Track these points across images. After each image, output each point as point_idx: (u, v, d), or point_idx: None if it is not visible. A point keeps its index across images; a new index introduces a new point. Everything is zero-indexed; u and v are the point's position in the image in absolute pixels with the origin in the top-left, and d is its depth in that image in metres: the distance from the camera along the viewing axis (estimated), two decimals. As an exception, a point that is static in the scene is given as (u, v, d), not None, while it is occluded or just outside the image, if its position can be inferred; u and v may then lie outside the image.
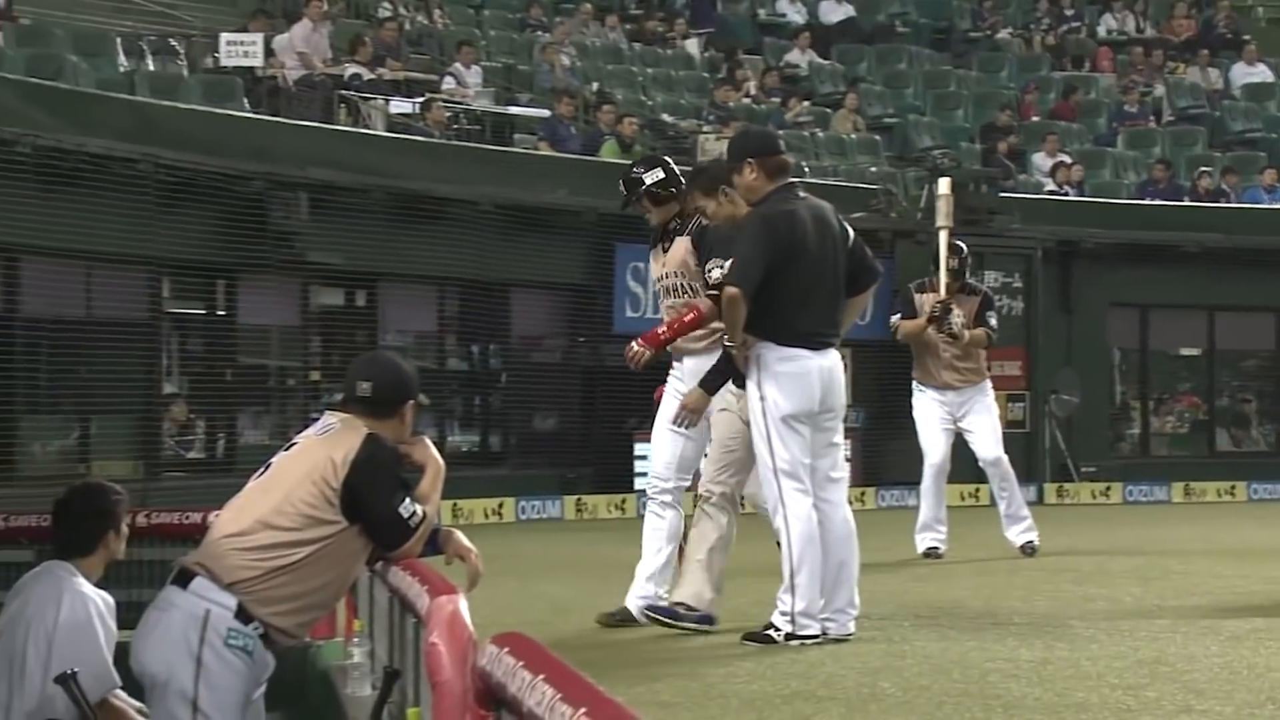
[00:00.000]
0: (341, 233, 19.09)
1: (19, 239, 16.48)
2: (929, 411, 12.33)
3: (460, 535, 5.62)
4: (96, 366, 17.87)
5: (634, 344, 8.18)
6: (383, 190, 19.49)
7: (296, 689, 6.65)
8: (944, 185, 12.77)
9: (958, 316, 12.06)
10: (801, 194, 7.87)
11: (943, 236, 12.26)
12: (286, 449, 5.61)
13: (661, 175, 8.48)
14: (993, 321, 12.41)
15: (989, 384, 12.61)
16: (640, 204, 8.49)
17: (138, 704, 5.90)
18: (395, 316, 21.38)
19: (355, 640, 6.44)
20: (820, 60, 27.31)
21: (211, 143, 17.93)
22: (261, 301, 19.85)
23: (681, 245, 8.32)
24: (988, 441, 12.37)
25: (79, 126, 16.75)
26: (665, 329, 8.22)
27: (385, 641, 6.04)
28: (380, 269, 20.09)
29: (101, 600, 6.05)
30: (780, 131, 16.67)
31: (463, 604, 4.44)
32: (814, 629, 7.40)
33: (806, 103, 25.45)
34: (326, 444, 5.42)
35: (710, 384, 7.78)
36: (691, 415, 7.87)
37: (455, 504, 16.85)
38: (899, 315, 12.46)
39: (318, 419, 5.82)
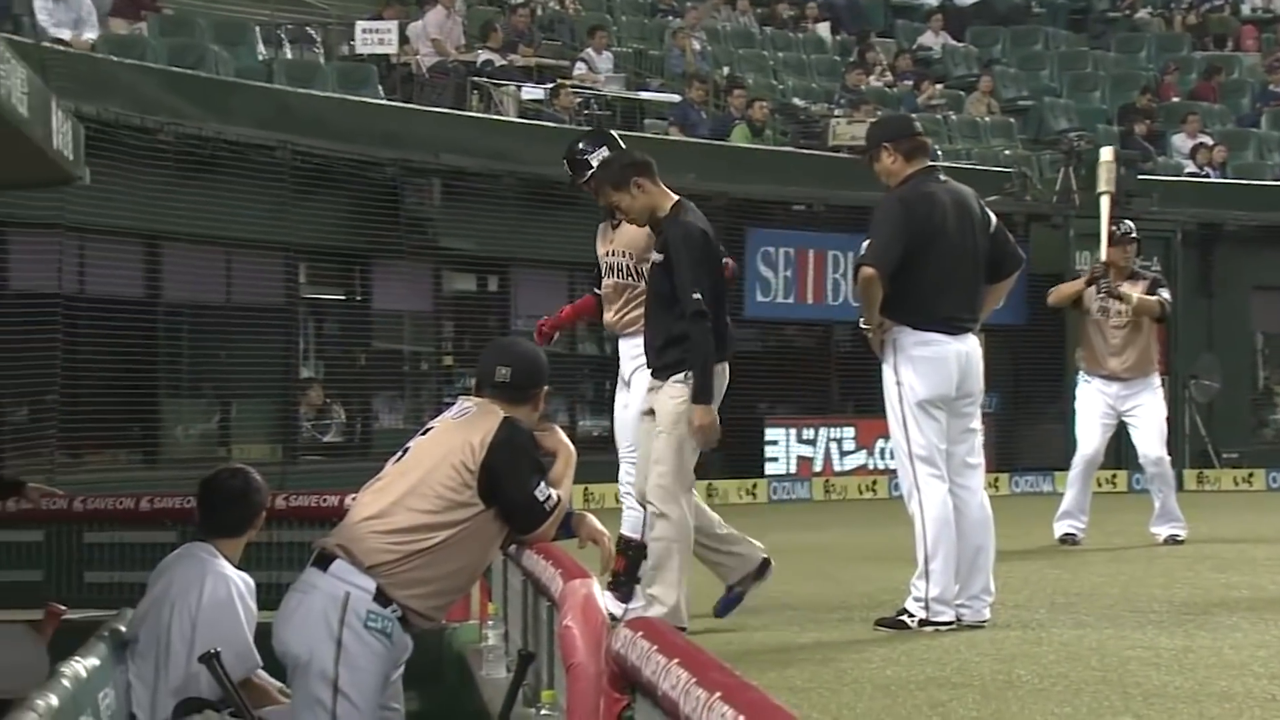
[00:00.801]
0: (473, 218, 19.21)
1: (161, 226, 16.76)
2: (1091, 403, 12.11)
3: (593, 519, 5.65)
4: (236, 351, 18.15)
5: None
6: (514, 176, 19.58)
7: (433, 670, 6.74)
8: (1106, 153, 12.86)
9: (1121, 285, 11.91)
10: (942, 178, 7.80)
11: (1104, 201, 12.15)
12: (423, 433, 5.67)
13: (609, 154, 8.11)
14: (1165, 294, 12.15)
15: (1158, 378, 12.30)
16: (588, 184, 8.14)
17: (279, 684, 6.00)
18: (526, 301, 21.46)
19: (490, 623, 6.50)
20: (954, 42, 27.04)
21: (346, 129, 18.12)
22: (395, 287, 20.03)
23: (629, 231, 7.93)
24: (1151, 439, 12.08)
25: (218, 114, 17.00)
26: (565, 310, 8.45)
27: (519, 624, 6.08)
28: (512, 254, 20.19)
29: (242, 581, 6.15)
30: (913, 115, 16.55)
31: (596, 588, 4.46)
32: (948, 615, 7.35)
33: (939, 86, 25.21)
34: (464, 427, 5.47)
35: (705, 395, 7.39)
36: (707, 433, 7.48)
37: (586, 488, 16.92)
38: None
39: (452, 403, 5.87)
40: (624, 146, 8.20)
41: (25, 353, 15.19)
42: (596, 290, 8.46)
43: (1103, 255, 12.02)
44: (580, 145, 8.27)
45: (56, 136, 7.57)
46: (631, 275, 8.03)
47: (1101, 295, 11.93)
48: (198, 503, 6.30)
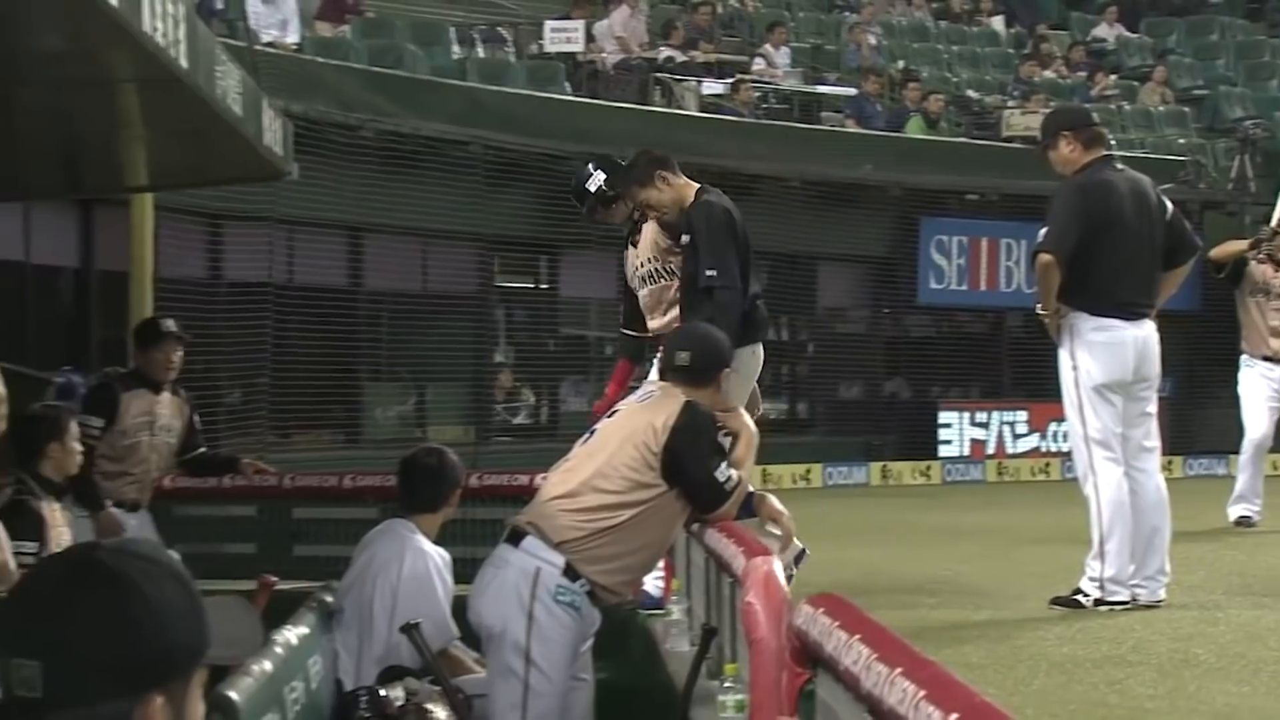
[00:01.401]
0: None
1: (363, 218, 17.06)
2: (1254, 386, 11.81)
3: (773, 499, 5.62)
4: (432, 337, 18.40)
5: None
6: (695, 168, 19.45)
7: (620, 643, 6.75)
8: None
9: None
10: (1119, 166, 7.64)
11: None
12: (610, 415, 5.69)
13: (603, 177, 7.76)
14: None
15: None
16: (596, 212, 7.85)
17: (475, 654, 6.07)
18: (708, 288, 21.44)
19: (674, 598, 6.50)
20: (1128, 34, 26.45)
21: (536, 125, 18.26)
22: (582, 275, 20.15)
23: (649, 229, 7.61)
24: None
25: (416, 111, 17.24)
26: (610, 389, 7.86)
27: (702, 600, 6.07)
28: (694, 244, 20.17)
29: (439, 556, 6.22)
30: (1086, 105, 16.22)
31: (777, 565, 4.44)
32: (1123, 595, 7.21)
33: (1113, 76, 24.69)
34: (648, 411, 5.48)
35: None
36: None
37: (764, 469, 16.88)
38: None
39: (636, 388, 5.88)
40: (622, 164, 7.81)
41: (239, 339, 15.56)
42: (626, 330, 8.07)
43: (1273, 221, 11.75)
44: (576, 176, 7.97)
45: (267, 134, 7.72)
46: (663, 275, 7.64)
47: (1262, 257, 11.62)
48: (398, 480, 6.38)
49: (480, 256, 18.80)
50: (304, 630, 5.49)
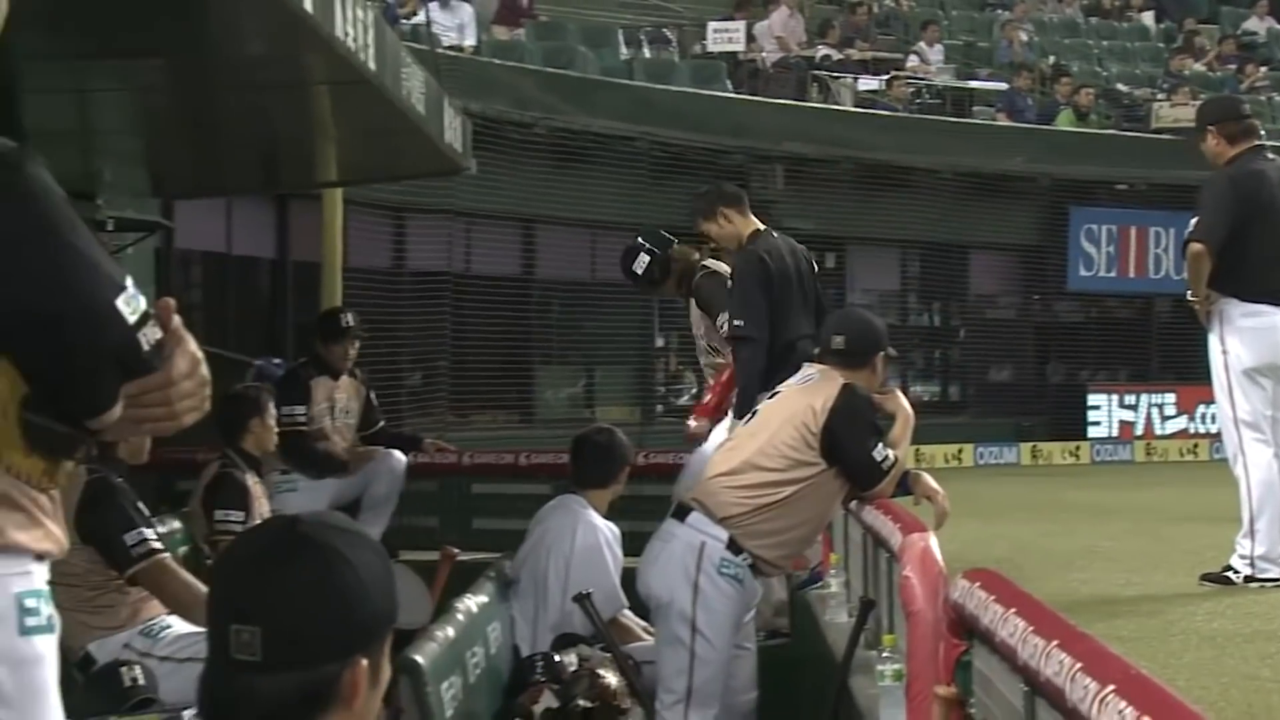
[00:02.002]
0: (813, 201, 19.16)
1: (536, 210, 17.20)
2: None
3: (928, 478, 5.57)
4: (599, 323, 18.50)
5: (690, 423, 7.45)
6: (851, 161, 19.46)
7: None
8: None
9: None
10: (1270, 155, 7.43)
11: None
12: (771, 397, 5.68)
13: (647, 260, 7.64)
14: None
15: None
16: (647, 291, 7.79)
17: (643, 623, 6.11)
18: (862, 277, 21.32)
19: (832, 572, 6.47)
20: (1279, 26, 25.71)
21: (698, 121, 18.26)
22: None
23: (692, 309, 7.59)
24: None
25: (586, 109, 17.34)
26: (710, 396, 7.51)
27: (860, 574, 6.04)
28: (848, 233, 20.08)
29: (609, 530, 6.27)
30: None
31: (933, 541, 4.40)
32: (1274, 572, 7.02)
33: (1264, 69, 24.01)
34: (807, 393, 5.46)
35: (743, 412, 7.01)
36: None
37: (917, 449, 16.72)
38: None
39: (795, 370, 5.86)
40: (670, 238, 7.72)
41: (420, 324, 15.80)
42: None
43: None
44: (625, 253, 7.77)
45: (448, 131, 7.83)
46: (707, 354, 7.61)
47: None
48: (570, 457, 6.44)
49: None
50: (483, 599, 5.57)
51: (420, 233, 16.38)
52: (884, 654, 4.50)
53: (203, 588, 4.87)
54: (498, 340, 17.31)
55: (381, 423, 8.62)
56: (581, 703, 5.25)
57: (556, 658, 5.62)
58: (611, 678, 5.49)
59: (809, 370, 5.62)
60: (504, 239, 17.57)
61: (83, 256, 2.14)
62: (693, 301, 7.47)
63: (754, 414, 5.62)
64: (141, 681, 4.85)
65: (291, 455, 7.88)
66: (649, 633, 5.95)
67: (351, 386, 8.28)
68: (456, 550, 6.92)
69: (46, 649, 2.22)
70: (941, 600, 3.87)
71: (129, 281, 2.18)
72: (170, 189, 10.57)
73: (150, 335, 2.17)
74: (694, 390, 20.69)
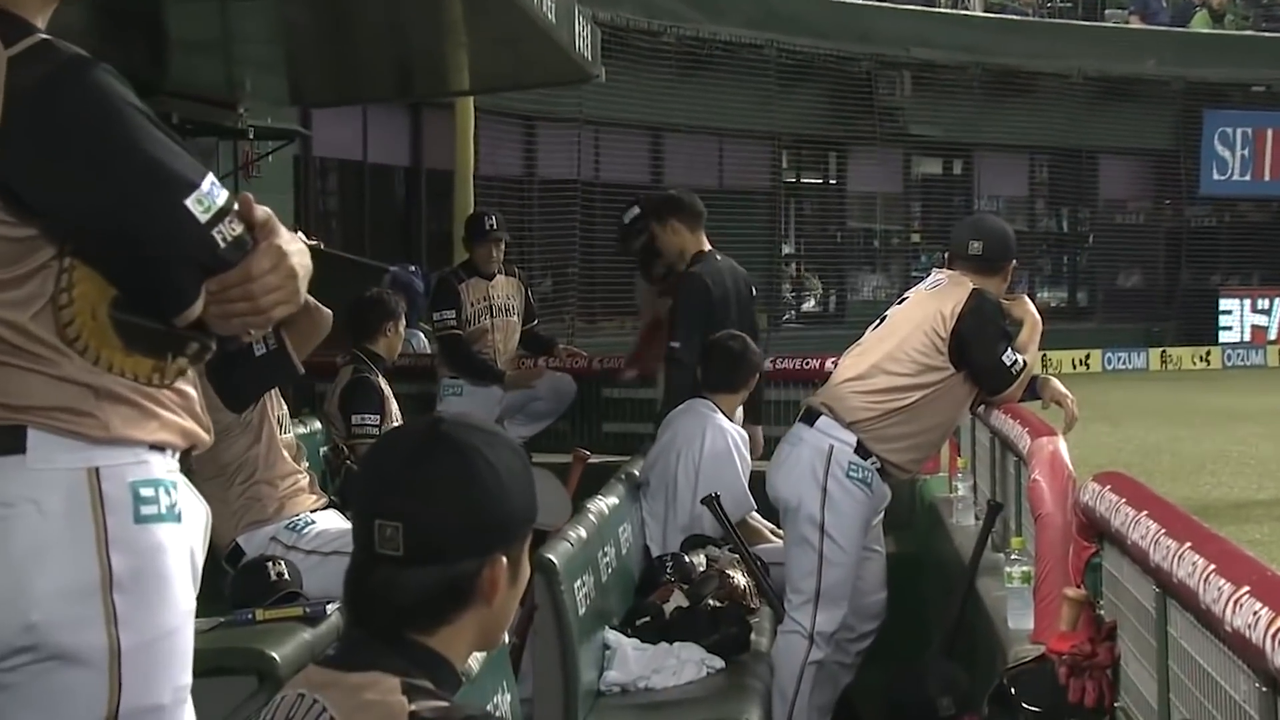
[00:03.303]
0: (940, 107, 18.89)
1: (663, 118, 17.13)
2: None
3: (1057, 382, 5.49)
4: (727, 231, 18.40)
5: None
6: (979, 66, 19.12)
7: (907, 517, 6.73)
8: None
9: None
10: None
11: None
12: (899, 302, 5.62)
13: (637, 211, 7.55)
14: None
15: None
16: (630, 246, 7.64)
17: (771, 525, 6.12)
18: (989, 183, 21.01)
19: (959, 476, 6.42)
20: None
21: (825, 28, 18.02)
22: (868, 171, 19.93)
23: (651, 297, 7.50)
24: None
25: (713, 17, 17.17)
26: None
27: (987, 478, 5.99)
28: (975, 139, 19.79)
29: (737, 433, 6.26)
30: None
31: (1061, 445, 4.35)
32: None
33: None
34: (936, 297, 5.39)
35: None
36: None
37: (1045, 355, 16.52)
38: None
39: (925, 276, 5.78)
40: (676, 198, 7.37)
41: (550, 232, 15.85)
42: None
43: None
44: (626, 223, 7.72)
45: (578, 40, 7.79)
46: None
47: None
48: (701, 361, 6.42)
49: (771, 154, 18.71)
50: (614, 501, 5.60)
51: (550, 141, 16.40)
52: (1012, 556, 4.47)
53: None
54: (626, 247, 17.29)
55: (535, 321, 8.69)
56: (711, 602, 5.26)
57: (686, 558, 5.63)
58: (740, 578, 5.50)
59: (937, 275, 5.54)
60: (632, 147, 17.53)
61: (146, 159, 2.15)
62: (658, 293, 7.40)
63: (883, 319, 5.57)
64: (286, 575, 4.94)
65: (448, 359, 8.00)
66: (777, 535, 5.96)
67: (510, 285, 8.32)
68: (588, 453, 6.95)
69: (166, 537, 2.26)
70: (1070, 503, 3.83)
71: (205, 178, 2.19)
72: (308, 98, 10.66)
73: (228, 231, 2.18)
74: (818, 293, 20.57)
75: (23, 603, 2.18)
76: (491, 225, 8.25)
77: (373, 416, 6.43)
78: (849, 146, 19.53)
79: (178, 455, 2.35)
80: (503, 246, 8.26)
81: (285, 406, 5.55)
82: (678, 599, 5.25)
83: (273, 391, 5.38)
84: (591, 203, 16.44)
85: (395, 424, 6.52)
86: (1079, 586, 3.57)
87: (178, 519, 2.29)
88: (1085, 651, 3.39)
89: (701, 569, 5.58)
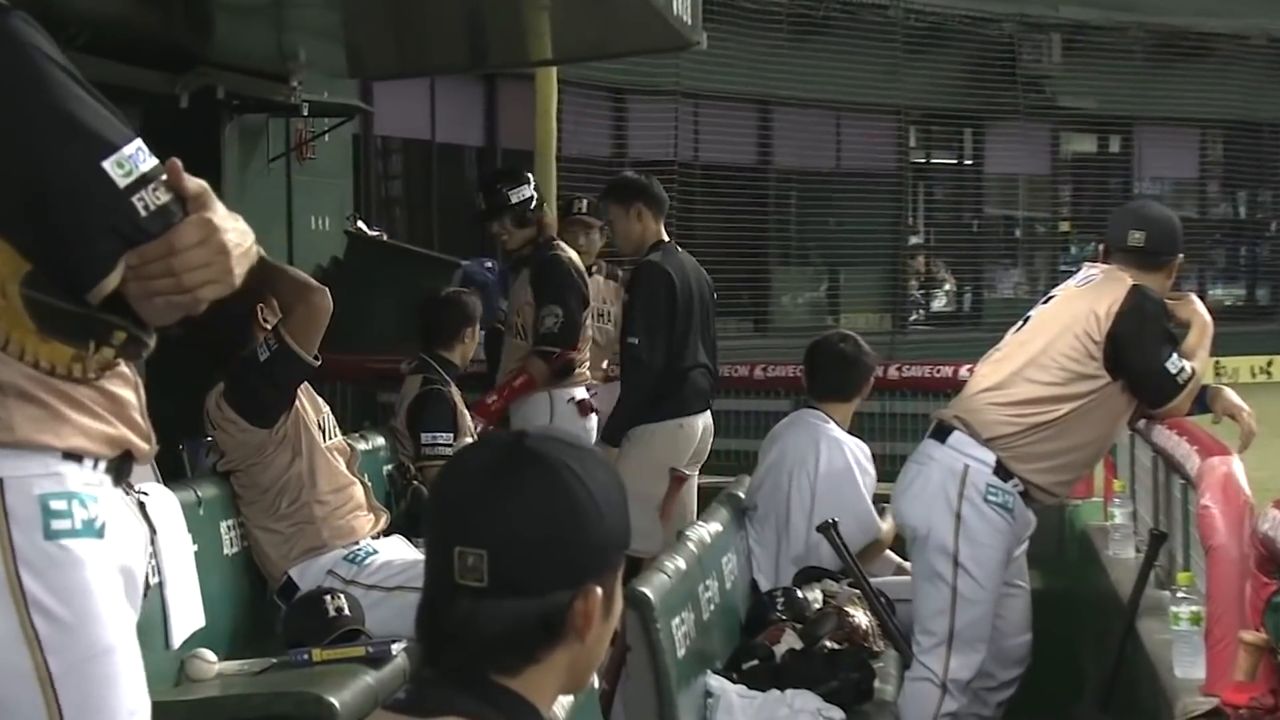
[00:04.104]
0: (1095, 75, 18.75)
1: (772, 90, 17.13)
2: None
3: (1230, 393, 5.44)
4: (844, 218, 18.42)
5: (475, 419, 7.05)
6: (1141, 28, 18.96)
7: (1055, 548, 6.69)
8: None
9: None
10: None
11: None
12: (1045, 301, 5.59)
13: (528, 194, 7.46)
14: None
15: None
16: (501, 225, 7.46)
17: (898, 558, 6.12)
18: (1151, 162, 20.84)
19: (1116, 501, 6.37)
20: None
21: (960, -15, 17.97)
22: (1009, 149, 19.82)
23: (524, 283, 7.38)
24: None
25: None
26: (495, 398, 7.29)
27: (1149, 503, 5.95)
28: (1136, 112, 19.62)
29: (858, 447, 6.25)
30: None
31: (1236, 465, 4.31)
32: None
33: None
34: (1089, 295, 5.36)
35: (612, 437, 6.83)
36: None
37: (1217, 361, 16.35)
38: None
39: (1074, 270, 5.75)
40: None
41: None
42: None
43: None
44: (498, 183, 7.63)
45: (676, 2, 7.81)
46: (520, 336, 7.45)
47: None
48: (807, 367, 6.42)
49: (897, 130, 18.66)
50: (717, 527, 5.61)
51: (642, 117, 16.47)
52: (1178, 594, 4.43)
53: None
54: (729, 238, 17.34)
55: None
56: (828, 644, 5.26)
57: (799, 593, 5.64)
58: (861, 616, 5.50)
59: (1090, 270, 5.52)
60: (736, 123, 17.57)
61: (61, 116, 2.20)
62: (524, 275, 7.42)
63: (1025, 321, 5.55)
64: (346, 610, 5.01)
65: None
66: (903, 571, 5.96)
67: (610, 289, 8.32)
68: (686, 472, 6.98)
69: (85, 552, 2.30)
70: (1248, 533, 3.80)
71: (130, 143, 2.23)
72: (369, 69, 10.76)
73: (150, 199, 2.22)
74: (950, 290, 20.47)
75: None
76: (577, 209, 8.29)
77: (445, 435, 6.48)
78: (987, 121, 19.45)
79: (105, 465, 2.39)
80: (595, 237, 8.27)
81: (326, 408, 5.63)
82: (790, 640, 5.26)
83: (306, 396, 5.46)
84: (690, 187, 16.49)
85: (469, 440, 6.57)
86: (1258, 629, 3.54)
87: (98, 534, 2.33)
88: (1266, 705, 3.37)
89: (817, 605, 5.59)
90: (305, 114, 10.00)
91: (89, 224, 2.19)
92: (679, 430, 6.97)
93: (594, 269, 8.27)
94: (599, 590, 1.96)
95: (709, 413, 7.12)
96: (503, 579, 1.91)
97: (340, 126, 10.96)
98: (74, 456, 2.32)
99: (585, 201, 8.44)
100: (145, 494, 4.73)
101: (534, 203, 7.53)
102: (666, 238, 7.11)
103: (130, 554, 2.42)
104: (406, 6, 8.07)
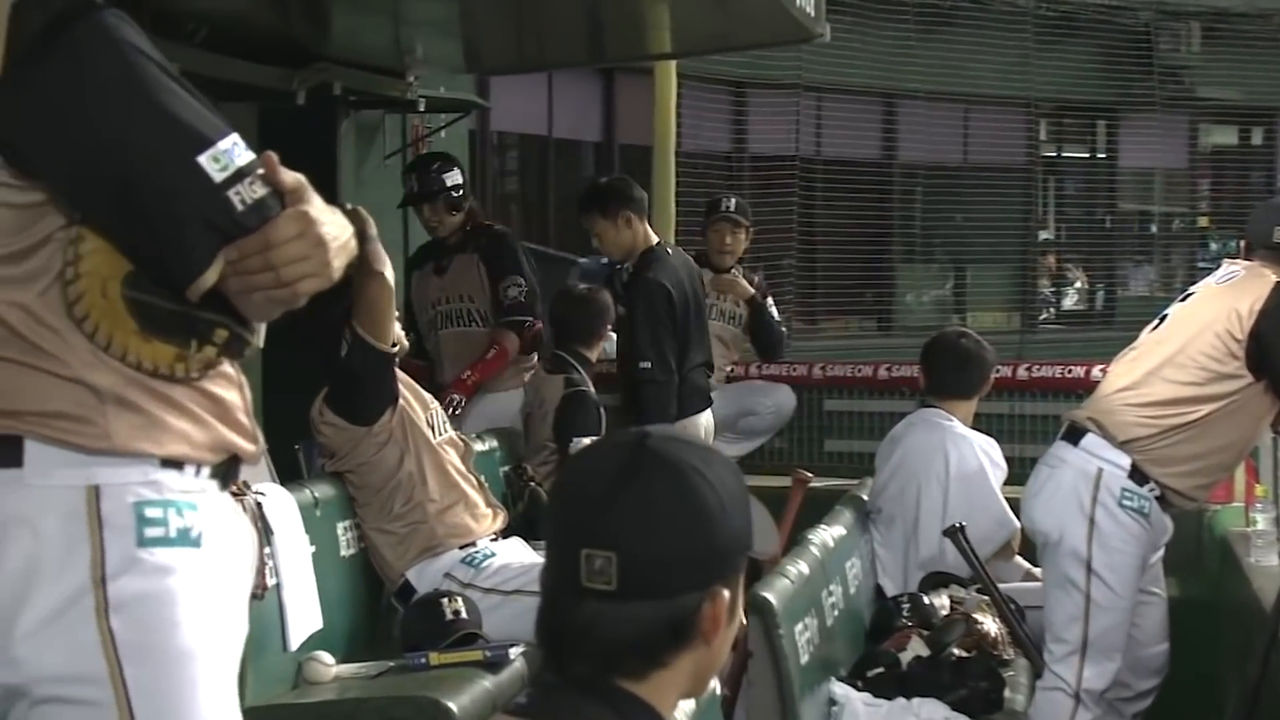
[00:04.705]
0: (1237, 64, 18.46)
1: (898, 83, 17.04)
2: None
3: (1382, 393, 5.34)
4: (971, 213, 18.27)
5: (451, 397, 6.99)
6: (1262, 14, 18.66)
7: (1193, 555, 6.60)
8: None
9: None
10: None
11: None
12: (1183, 299, 5.53)
13: (460, 180, 7.36)
14: None
15: None
16: (434, 209, 7.35)
17: (1027, 564, 6.07)
18: (1294, 155, 20.50)
19: (1258, 506, 6.27)
20: None
21: (1094, -27, 17.79)
22: (1144, 142, 19.58)
23: (468, 265, 7.28)
24: None
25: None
26: (470, 373, 7.15)
27: (1292, 509, 5.86)
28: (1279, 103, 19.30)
29: (985, 442, 6.21)
30: None
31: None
32: None
33: None
34: (1230, 293, 5.29)
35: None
36: None
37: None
38: None
39: (1214, 268, 5.68)
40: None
41: (763, 217, 15.83)
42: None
43: None
44: (432, 166, 7.53)
45: (800, -8, 7.78)
46: (475, 322, 7.39)
47: None
48: (924, 364, 6.38)
49: (1027, 123, 18.49)
50: (840, 531, 5.60)
51: (763, 111, 16.43)
52: (1324, 604, 4.36)
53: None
54: (852, 234, 17.28)
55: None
56: (956, 651, 5.23)
57: (925, 599, 5.61)
58: (990, 623, 5.46)
59: (1231, 267, 5.45)
60: (860, 117, 17.48)
61: (157, 110, 2.21)
62: (474, 260, 7.35)
63: (1162, 319, 5.48)
64: (464, 614, 5.05)
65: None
66: (1033, 576, 5.91)
67: (739, 288, 8.29)
68: (809, 475, 6.96)
69: (175, 560, 2.31)
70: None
71: (226, 137, 2.24)
72: (485, 64, 10.83)
73: (247, 193, 2.23)
74: (1081, 287, 20.25)
75: (10, 633, 2.26)
76: (723, 207, 8.32)
77: (593, 440, 6.51)
78: (1121, 113, 19.23)
79: (210, 471, 2.40)
80: (740, 237, 8.28)
81: (435, 404, 5.67)
82: (916, 647, 5.23)
83: (413, 394, 5.51)
84: (812, 182, 16.43)
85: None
86: None
87: (193, 543, 2.34)
88: None
89: (944, 612, 5.55)
90: (421, 110, 10.06)
91: (185, 219, 2.21)
92: (683, 432, 6.96)
93: (733, 270, 8.29)
94: (725, 593, 1.96)
95: (709, 411, 7.17)
96: (632, 582, 1.91)
97: (457, 122, 11.02)
98: (173, 463, 2.33)
99: (734, 200, 8.46)
100: (263, 494, 4.82)
101: (463, 189, 7.45)
102: (655, 238, 7.12)
103: (234, 562, 2.42)
104: (524, 1, 8.11)
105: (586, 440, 6.42)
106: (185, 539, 2.32)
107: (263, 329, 2.45)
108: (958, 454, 6.05)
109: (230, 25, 7.66)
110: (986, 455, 6.10)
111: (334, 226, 2.30)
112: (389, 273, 5.23)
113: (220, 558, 2.37)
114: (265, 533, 4.65)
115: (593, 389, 6.68)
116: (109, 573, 2.26)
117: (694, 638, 1.95)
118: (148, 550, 2.28)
